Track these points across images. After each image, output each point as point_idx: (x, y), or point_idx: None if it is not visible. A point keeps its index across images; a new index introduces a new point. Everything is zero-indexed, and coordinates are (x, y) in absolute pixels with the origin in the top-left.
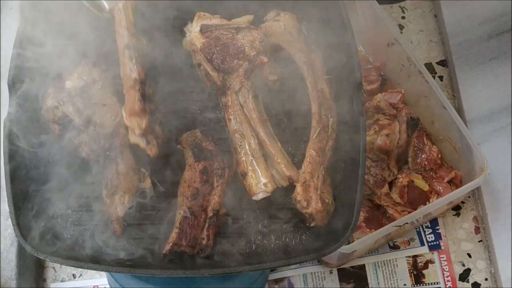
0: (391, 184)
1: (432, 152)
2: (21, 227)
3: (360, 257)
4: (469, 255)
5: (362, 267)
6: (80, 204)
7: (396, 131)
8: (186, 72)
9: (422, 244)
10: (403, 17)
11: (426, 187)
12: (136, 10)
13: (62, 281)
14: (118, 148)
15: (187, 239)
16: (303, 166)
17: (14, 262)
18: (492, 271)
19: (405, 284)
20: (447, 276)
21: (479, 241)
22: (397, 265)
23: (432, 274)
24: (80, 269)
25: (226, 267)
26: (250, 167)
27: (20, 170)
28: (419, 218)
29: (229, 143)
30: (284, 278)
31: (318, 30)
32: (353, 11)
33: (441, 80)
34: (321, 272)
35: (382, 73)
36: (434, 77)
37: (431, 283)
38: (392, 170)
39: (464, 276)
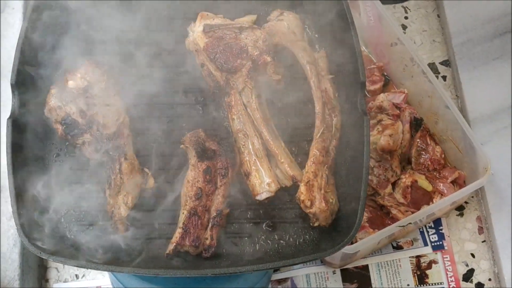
0: (394, 185)
1: (435, 152)
2: (24, 227)
3: (364, 258)
4: (473, 255)
5: (366, 267)
6: (83, 204)
7: (399, 131)
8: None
9: (426, 244)
10: (406, 17)
11: (429, 187)
12: None
13: (65, 281)
14: (121, 148)
15: (190, 239)
16: (306, 165)
17: (17, 262)
18: (496, 271)
19: (408, 285)
20: (450, 277)
21: (482, 241)
22: (400, 266)
23: (436, 274)
24: (83, 270)
25: (229, 267)
26: (253, 167)
27: (23, 170)
28: (423, 218)
29: (232, 143)
30: (288, 278)
31: (322, 30)
32: (356, 11)
33: (444, 80)
34: (324, 272)
35: (385, 73)
36: (437, 77)
37: (435, 284)
38: (395, 170)
39: (467, 276)
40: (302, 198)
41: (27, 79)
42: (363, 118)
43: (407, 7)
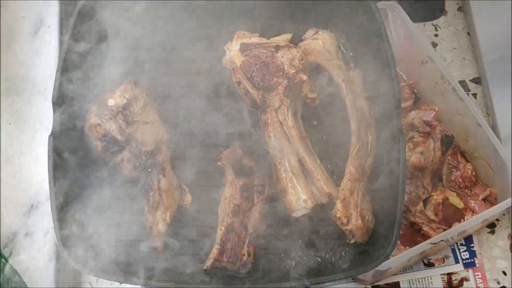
0: (425, 202)
1: (466, 169)
2: (65, 241)
3: (395, 274)
4: (504, 273)
5: (397, 284)
6: (122, 220)
7: (430, 149)
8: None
9: (457, 261)
10: (436, 35)
11: (461, 205)
12: None
13: None
14: (160, 164)
15: (228, 255)
16: (342, 183)
17: (52, 278)
18: None
19: None
20: None
21: None
22: (431, 283)
23: None
24: (116, 285)
25: (268, 283)
26: (290, 184)
27: (63, 186)
28: (454, 235)
29: (269, 160)
30: None
31: (356, 49)
32: (387, 29)
33: (475, 98)
34: None
35: (415, 91)
36: (467, 94)
37: None
38: (427, 188)
39: None
40: (338, 215)
41: (68, 96)
42: (399, 137)
43: (437, 25)
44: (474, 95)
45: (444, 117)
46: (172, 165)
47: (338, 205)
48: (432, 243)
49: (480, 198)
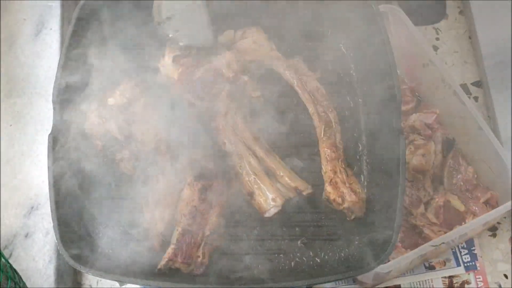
0: (426, 204)
1: (467, 172)
2: (65, 242)
3: (396, 277)
4: (506, 276)
5: (398, 287)
6: (121, 219)
7: (431, 151)
8: None
9: (458, 264)
10: (437, 39)
11: (462, 208)
12: None
13: None
14: (159, 164)
15: (182, 256)
16: (323, 166)
17: (52, 278)
18: None
19: None
20: None
21: None
22: (432, 286)
23: None
24: (116, 286)
25: (265, 283)
26: (255, 186)
27: (63, 185)
28: (455, 238)
29: (229, 163)
30: None
31: (356, 50)
32: (388, 32)
33: (476, 101)
34: None
35: (416, 94)
36: (469, 98)
37: None
38: (428, 190)
39: None
40: (332, 197)
41: (68, 96)
42: (399, 138)
43: (439, 29)
44: (476, 98)
45: (445, 120)
46: (171, 165)
47: (328, 188)
48: (433, 246)
49: (481, 201)
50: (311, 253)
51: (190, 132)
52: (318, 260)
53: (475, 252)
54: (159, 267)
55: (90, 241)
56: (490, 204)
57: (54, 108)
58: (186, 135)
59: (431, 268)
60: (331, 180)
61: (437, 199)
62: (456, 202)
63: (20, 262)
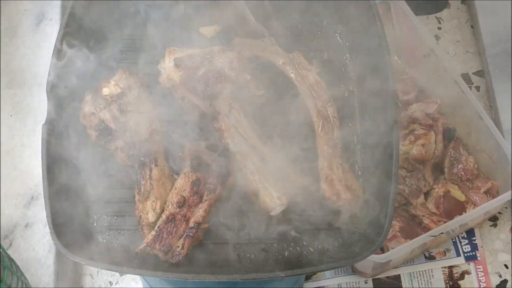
0: (427, 194)
1: (468, 162)
2: (58, 232)
3: (396, 267)
4: (506, 266)
5: (398, 277)
6: (115, 209)
7: (432, 141)
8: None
9: (458, 254)
10: (439, 28)
11: (462, 197)
12: None
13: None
14: (153, 154)
15: (161, 243)
16: (319, 163)
17: (52, 268)
18: None
19: None
20: (483, 287)
21: None
22: (432, 276)
23: (468, 285)
24: (116, 277)
25: (258, 272)
26: (260, 185)
27: (57, 175)
28: (455, 228)
29: (231, 163)
30: (319, 287)
31: (353, 39)
32: (390, 22)
33: (478, 91)
34: (356, 282)
35: (418, 84)
36: (470, 87)
37: None
38: (428, 180)
39: (501, 287)
40: (327, 195)
41: (62, 86)
42: (394, 127)
43: (440, 18)
44: (477, 88)
45: (447, 110)
46: (165, 155)
47: (323, 185)
48: (432, 236)
49: (482, 191)
50: (304, 243)
51: (185, 122)
52: (312, 250)
53: (476, 242)
54: (136, 250)
55: (83, 231)
56: (491, 193)
57: (48, 98)
58: (180, 126)
59: (431, 258)
60: (326, 177)
61: (437, 189)
62: (457, 192)
63: (20, 252)
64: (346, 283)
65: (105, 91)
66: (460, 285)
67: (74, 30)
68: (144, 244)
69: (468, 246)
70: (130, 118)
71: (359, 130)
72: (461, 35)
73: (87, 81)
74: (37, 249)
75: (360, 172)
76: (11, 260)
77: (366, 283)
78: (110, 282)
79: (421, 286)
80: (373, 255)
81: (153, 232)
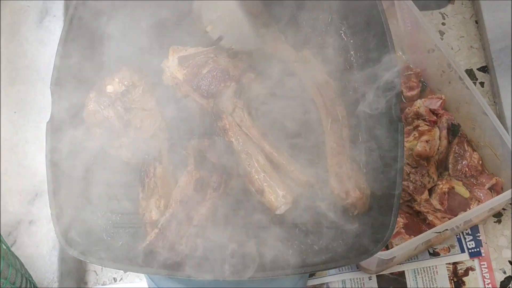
0: (431, 191)
1: (473, 158)
2: (63, 229)
3: (400, 264)
4: (511, 263)
5: (402, 273)
6: (119, 206)
7: (436, 137)
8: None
9: (463, 251)
10: (443, 23)
11: (466, 194)
12: None
13: (103, 284)
14: (157, 152)
15: (164, 241)
16: (328, 160)
17: (56, 265)
18: None
19: None
20: (487, 284)
21: None
22: (437, 272)
23: (473, 281)
24: (121, 273)
25: (264, 271)
26: (265, 183)
27: (62, 173)
28: (460, 224)
29: (236, 161)
30: (323, 284)
31: (356, 36)
32: (394, 17)
33: (482, 86)
34: (360, 278)
35: (422, 79)
36: (475, 83)
37: None
38: (432, 177)
39: (505, 284)
40: (336, 192)
41: (67, 83)
42: (398, 124)
43: (445, 13)
44: (482, 83)
45: (451, 105)
46: (169, 153)
47: (333, 182)
48: (436, 232)
49: (486, 187)
50: (309, 241)
51: (189, 120)
52: (317, 248)
53: (480, 238)
54: (140, 248)
55: (88, 228)
56: (495, 190)
57: (52, 96)
58: (184, 124)
59: (435, 254)
60: (336, 174)
61: (441, 185)
62: (461, 188)
63: (24, 249)
64: (350, 279)
65: (109, 88)
66: (464, 282)
67: (78, 27)
68: (148, 242)
69: (473, 242)
70: (134, 116)
71: (364, 127)
72: (466, 30)
73: (91, 79)
74: (41, 246)
75: (365, 170)
76: (16, 257)
77: (370, 279)
78: (114, 278)
79: (425, 282)
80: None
81: (156, 230)
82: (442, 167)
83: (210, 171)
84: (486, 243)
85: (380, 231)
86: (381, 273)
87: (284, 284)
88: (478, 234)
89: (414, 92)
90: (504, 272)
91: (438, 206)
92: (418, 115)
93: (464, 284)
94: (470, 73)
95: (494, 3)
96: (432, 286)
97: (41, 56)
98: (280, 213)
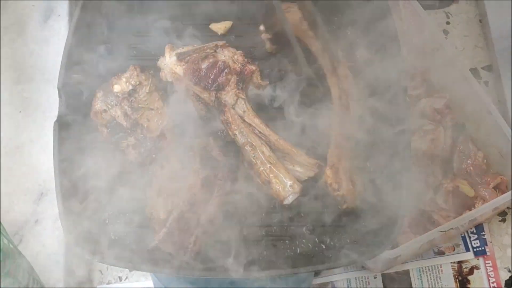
0: (435, 190)
1: (477, 157)
2: (70, 228)
3: (405, 262)
4: None
5: (407, 272)
6: (125, 206)
7: (440, 136)
8: None
9: (467, 249)
10: (447, 23)
11: (471, 193)
12: None
13: (108, 283)
14: (164, 151)
15: (172, 241)
16: (329, 150)
17: (62, 263)
18: None
19: None
20: (492, 282)
21: None
22: (442, 271)
23: (478, 280)
24: (126, 272)
25: (270, 269)
26: (271, 174)
27: (69, 173)
28: (464, 223)
29: (239, 156)
30: (328, 282)
31: (364, 35)
32: (398, 16)
33: (487, 86)
34: (365, 277)
35: (426, 78)
36: (479, 82)
37: None
38: (437, 176)
39: (510, 282)
40: (329, 181)
41: (73, 83)
42: (405, 123)
43: (449, 12)
44: (486, 83)
45: (455, 105)
46: (176, 152)
47: (328, 171)
48: (442, 231)
49: (491, 186)
50: (316, 240)
51: (194, 118)
52: (324, 246)
53: (485, 237)
54: (148, 247)
55: (94, 227)
56: (500, 189)
57: (59, 95)
58: (190, 122)
59: (440, 253)
60: (333, 165)
61: (446, 184)
62: (466, 187)
63: (30, 248)
64: (355, 278)
65: (116, 88)
66: (469, 280)
67: (84, 27)
68: (156, 241)
69: (477, 241)
70: (141, 115)
71: (371, 127)
72: (470, 29)
73: (98, 78)
74: (47, 245)
75: (372, 169)
76: (23, 256)
77: (375, 278)
78: (119, 277)
79: (430, 281)
80: None
81: (165, 229)
82: (446, 166)
83: (216, 169)
84: (491, 241)
85: (387, 230)
86: (386, 271)
87: (290, 282)
88: (483, 233)
89: (418, 91)
90: (509, 271)
91: (443, 205)
92: (422, 114)
93: (469, 283)
94: (474, 72)
95: (499, 2)
96: (437, 285)
97: (46, 55)
98: (288, 203)
